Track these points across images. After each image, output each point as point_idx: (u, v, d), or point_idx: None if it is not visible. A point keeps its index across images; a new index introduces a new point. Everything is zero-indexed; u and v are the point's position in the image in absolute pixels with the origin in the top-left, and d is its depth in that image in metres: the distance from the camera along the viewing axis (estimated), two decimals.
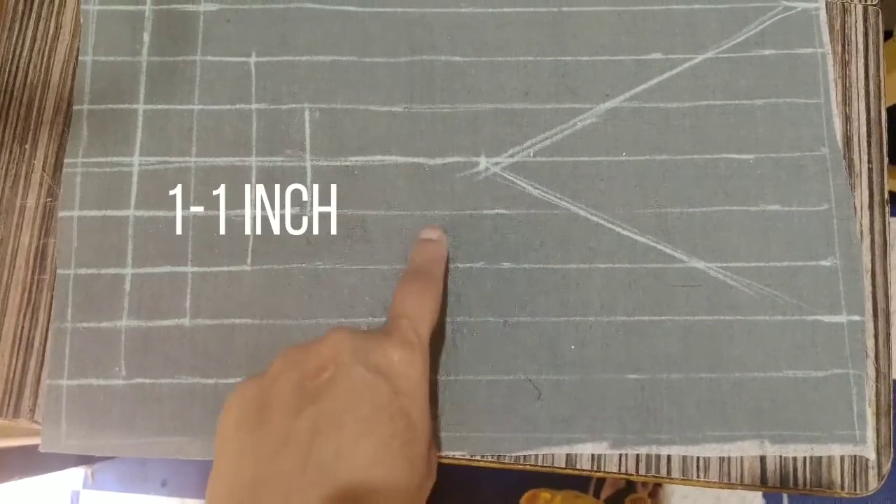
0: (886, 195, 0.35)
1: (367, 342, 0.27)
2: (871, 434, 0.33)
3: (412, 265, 0.32)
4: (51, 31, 0.37)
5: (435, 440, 0.33)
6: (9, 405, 0.34)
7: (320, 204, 0.35)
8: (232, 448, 0.26)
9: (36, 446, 0.33)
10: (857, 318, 0.34)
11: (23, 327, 0.34)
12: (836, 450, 0.33)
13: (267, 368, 0.28)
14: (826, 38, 0.37)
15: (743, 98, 0.36)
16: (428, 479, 0.28)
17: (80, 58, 0.37)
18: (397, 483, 0.25)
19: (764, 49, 0.37)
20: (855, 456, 0.33)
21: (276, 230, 0.35)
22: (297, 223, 0.35)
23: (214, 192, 0.35)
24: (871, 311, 0.34)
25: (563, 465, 0.33)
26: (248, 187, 0.35)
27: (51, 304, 0.34)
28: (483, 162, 0.36)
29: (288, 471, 0.24)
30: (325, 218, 0.35)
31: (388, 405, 0.26)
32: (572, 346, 0.34)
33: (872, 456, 0.33)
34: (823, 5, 0.38)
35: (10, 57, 0.37)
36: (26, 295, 0.35)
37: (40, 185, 0.36)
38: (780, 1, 0.38)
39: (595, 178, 0.36)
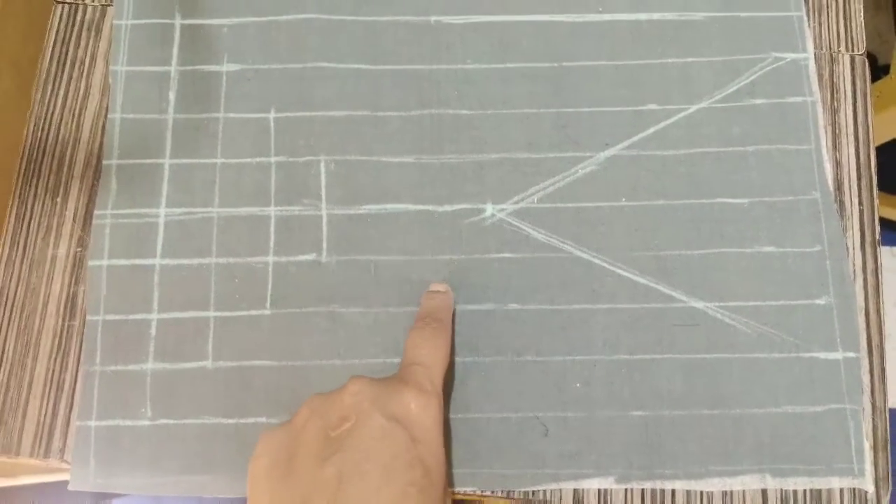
0: (878, 236, 0.37)
1: (386, 391, 0.29)
2: (868, 467, 0.34)
3: (422, 313, 0.34)
4: (81, 91, 0.40)
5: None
6: (40, 445, 0.35)
7: (335, 251, 0.37)
8: (264, 494, 0.28)
9: (48, 485, 0.35)
10: (852, 354, 0.35)
11: (54, 371, 0.36)
12: (836, 483, 0.34)
13: (292, 415, 0.30)
14: (815, 86, 0.39)
15: (736, 145, 0.38)
16: None
17: (109, 115, 0.39)
18: None
19: (755, 98, 0.39)
20: (854, 489, 0.34)
21: (294, 276, 0.37)
22: (313, 269, 0.37)
23: (235, 241, 0.37)
24: (865, 348, 0.35)
25: (571, 503, 0.34)
26: (267, 236, 0.37)
27: (80, 349, 0.36)
28: (489, 208, 0.38)
29: None
30: (340, 264, 0.37)
31: (405, 453, 0.27)
32: (578, 384, 0.35)
33: (871, 489, 0.34)
34: (812, 56, 0.40)
35: (44, 115, 0.39)
36: (57, 340, 0.36)
37: (71, 235, 0.38)
38: (770, 53, 0.40)
39: (596, 222, 0.38)
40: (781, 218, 0.37)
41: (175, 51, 0.40)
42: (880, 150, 0.83)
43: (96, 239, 0.37)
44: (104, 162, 0.38)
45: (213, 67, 0.40)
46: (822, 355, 0.36)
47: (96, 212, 0.38)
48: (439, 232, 0.37)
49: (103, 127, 0.39)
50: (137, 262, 0.37)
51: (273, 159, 0.38)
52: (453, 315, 0.36)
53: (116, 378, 0.36)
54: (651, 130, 0.39)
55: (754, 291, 0.36)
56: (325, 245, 0.37)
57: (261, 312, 0.36)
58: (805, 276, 0.37)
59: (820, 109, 0.39)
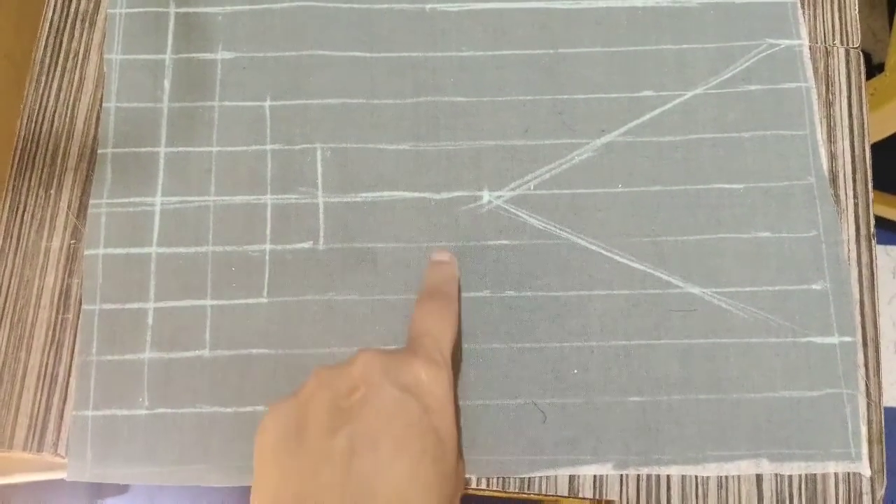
0: (872, 229, 0.37)
1: (396, 362, 0.29)
2: (865, 450, 0.34)
3: (427, 286, 0.34)
4: (75, 83, 0.40)
5: None
6: (33, 439, 0.35)
7: (332, 238, 0.37)
8: (272, 467, 0.27)
9: (41, 483, 0.35)
10: (848, 339, 0.36)
11: (47, 364, 0.36)
12: (832, 467, 0.34)
13: (297, 390, 0.29)
14: (810, 72, 0.39)
15: (731, 131, 0.38)
16: (458, 490, 0.29)
17: (104, 104, 0.39)
18: (430, 497, 0.26)
19: (750, 84, 0.39)
20: (850, 483, 0.34)
21: (291, 264, 0.37)
22: (310, 257, 0.37)
23: (232, 229, 0.37)
24: (860, 341, 0.36)
25: (567, 493, 0.34)
26: (263, 224, 0.37)
27: (74, 341, 0.36)
28: (486, 195, 0.38)
29: (329, 486, 0.26)
30: (336, 251, 0.37)
31: (418, 423, 0.27)
32: (575, 371, 0.35)
33: (868, 472, 0.34)
34: (806, 41, 0.40)
35: (37, 107, 0.39)
36: (51, 333, 0.36)
37: (65, 227, 0.37)
38: (764, 39, 0.40)
39: (593, 209, 0.38)
40: (777, 203, 0.37)
41: (170, 39, 0.40)
42: (875, 147, 0.84)
43: (92, 228, 0.37)
44: (99, 151, 0.38)
45: (207, 55, 0.40)
46: (819, 340, 0.36)
47: (91, 201, 0.38)
48: (436, 219, 0.37)
49: (97, 119, 0.39)
50: (133, 251, 0.37)
51: (269, 147, 0.38)
52: (458, 286, 0.35)
53: (113, 367, 0.35)
54: (647, 117, 0.39)
55: (751, 276, 0.36)
56: (321, 233, 0.37)
57: (258, 301, 0.36)
58: (801, 261, 0.37)
59: (814, 95, 0.39)
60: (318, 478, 0.26)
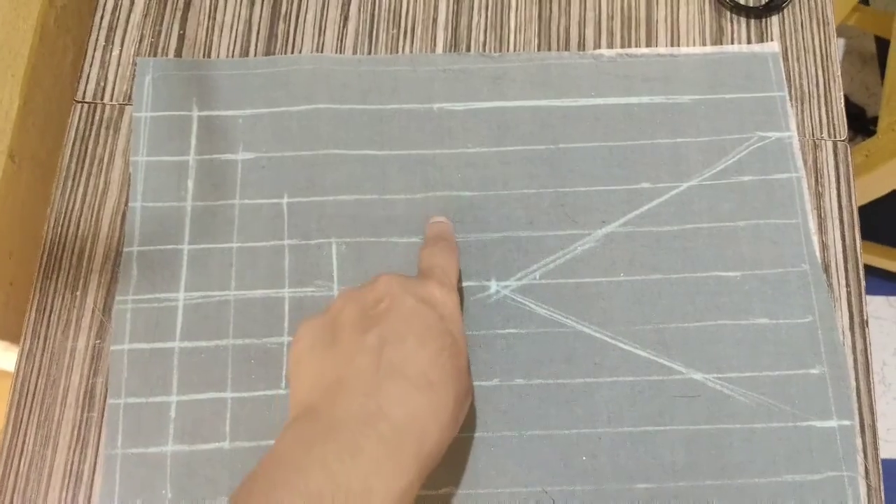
0: (866, 316, 0.38)
1: (412, 281, 0.33)
2: None
3: (430, 235, 0.38)
4: (101, 187, 0.42)
5: None
6: None
7: None
8: (310, 363, 0.31)
9: None
10: (847, 422, 0.37)
11: (73, 462, 0.37)
12: None
13: (326, 309, 0.33)
14: (800, 163, 0.41)
15: (726, 221, 0.40)
16: (469, 393, 0.32)
17: (130, 204, 0.41)
18: (448, 385, 0.30)
19: (743, 176, 0.41)
20: None
21: None
22: None
23: (251, 323, 0.39)
24: (858, 427, 0.37)
25: None
26: (281, 317, 0.39)
27: (98, 440, 0.37)
28: (494, 285, 0.40)
29: (364, 370, 0.29)
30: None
31: (436, 325, 0.31)
32: (584, 458, 0.37)
33: None
34: (796, 133, 0.42)
35: (64, 210, 0.41)
36: (76, 432, 0.37)
37: (90, 328, 0.39)
38: (755, 132, 0.42)
39: (596, 297, 0.39)
40: (773, 290, 0.39)
41: (193, 141, 0.42)
42: (871, 203, 0.86)
43: (118, 324, 0.39)
44: (125, 249, 0.40)
45: (229, 156, 0.42)
46: (819, 424, 0.37)
47: (118, 297, 0.39)
48: None
49: (122, 222, 0.41)
50: (157, 345, 0.39)
51: (286, 242, 0.40)
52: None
53: (137, 461, 0.37)
54: (645, 208, 0.41)
55: (750, 362, 0.38)
56: None
57: (276, 392, 0.38)
58: (798, 346, 0.38)
59: (805, 184, 0.41)
60: (353, 363, 0.30)
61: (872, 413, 0.37)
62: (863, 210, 0.41)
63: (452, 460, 0.37)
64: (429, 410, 0.29)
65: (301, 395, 0.31)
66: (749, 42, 0.44)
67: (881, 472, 0.35)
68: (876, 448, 0.36)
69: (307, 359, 0.31)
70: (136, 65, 0.44)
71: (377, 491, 0.26)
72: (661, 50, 0.44)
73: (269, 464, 0.28)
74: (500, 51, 0.45)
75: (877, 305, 1.19)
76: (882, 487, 0.36)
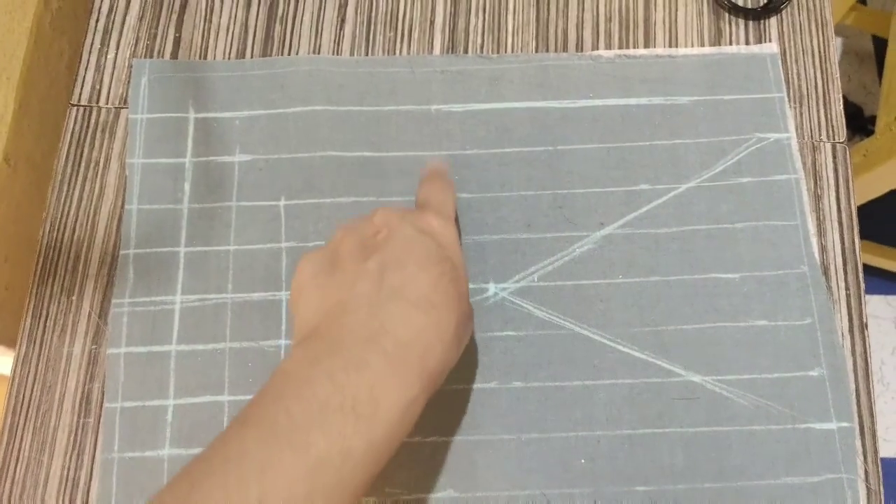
0: (865, 319, 0.38)
1: (410, 213, 0.34)
2: None
3: (428, 173, 0.38)
4: (96, 192, 0.41)
5: None
6: None
7: None
8: (312, 290, 0.31)
9: None
10: (846, 424, 0.37)
11: (69, 469, 0.37)
12: None
13: (326, 243, 0.33)
14: (798, 164, 0.41)
15: (725, 222, 0.40)
16: (470, 318, 0.33)
17: (126, 207, 0.41)
18: (450, 306, 0.30)
19: (741, 177, 0.41)
20: None
21: None
22: None
23: (248, 326, 0.39)
24: (857, 430, 0.37)
25: None
26: (279, 320, 0.39)
27: (95, 446, 0.37)
28: (492, 288, 0.39)
29: (366, 293, 0.30)
30: None
31: (435, 252, 0.31)
32: (582, 461, 0.36)
33: None
34: (794, 134, 0.42)
35: (59, 216, 0.41)
36: (72, 437, 0.37)
37: (86, 333, 0.39)
38: (753, 133, 0.42)
39: (595, 299, 0.39)
40: (772, 292, 0.39)
41: (189, 143, 0.42)
42: (870, 202, 0.85)
43: (114, 327, 0.39)
44: (121, 252, 0.40)
45: (225, 158, 0.42)
46: (818, 426, 0.37)
47: (114, 300, 0.39)
48: None
49: (118, 226, 0.41)
50: (154, 349, 0.38)
51: (284, 245, 0.40)
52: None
53: (134, 465, 0.36)
54: (643, 209, 0.41)
55: (749, 364, 0.38)
56: None
57: None
58: (797, 348, 0.38)
59: (804, 186, 0.41)
60: (355, 288, 0.30)
61: (872, 416, 0.36)
62: (860, 209, 0.41)
63: (451, 463, 0.36)
64: (431, 329, 0.29)
65: (304, 320, 0.31)
66: (748, 44, 0.44)
67: (881, 475, 0.35)
68: (876, 451, 0.36)
69: (309, 287, 0.32)
70: (131, 67, 0.44)
71: (383, 401, 0.27)
72: (660, 51, 0.44)
73: (277, 379, 0.28)
74: (498, 53, 0.44)
75: (875, 305, 1.19)
76: (882, 491, 0.35)
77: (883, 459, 0.36)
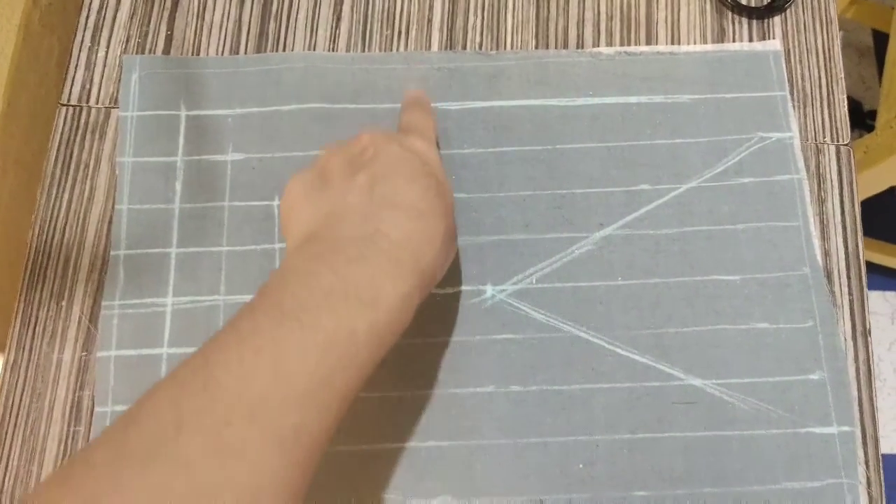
0: (868, 325, 0.38)
1: (395, 134, 0.35)
2: None
3: (408, 100, 0.39)
4: (86, 194, 0.41)
5: None
6: None
7: None
8: (304, 204, 0.32)
9: None
10: (847, 428, 0.36)
11: None
12: None
13: (312, 164, 0.34)
14: (801, 164, 0.41)
15: (726, 223, 0.40)
16: (455, 237, 0.34)
17: (116, 206, 0.40)
18: (438, 217, 0.32)
19: (743, 177, 0.40)
20: None
21: None
22: None
23: None
24: (860, 438, 0.36)
25: None
26: None
27: None
28: (489, 290, 0.39)
29: (358, 202, 0.31)
30: None
31: (421, 168, 0.33)
32: (581, 465, 0.36)
33: None
34: (797, 134, 0.41)
35: (48, 219, 0.40)
36: (62, 447, 0.36)
37: (76, 339, 0.38)
38: (755, 133, 0.41)
39: (594, 301, 0.39)
40: (773, 294, 0.38)
41: (181, 141, 0.41)
42: (871, 199, 0.85)
43: (104, 330, 0.38)
44: (112, 252, 0.39)
45: (218, 157, 0.41)
46: (818, 430, 0.36)
47: (104, 303, 0.38)
48: (441, 314, 0.38)
49: (108, 229, 0.40)
50: (145, 352, 0.38)
51: (277, 246, 0.39)
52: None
53: None
54: (643, 210, 0.40)
55: (750, 368, 0.37)
56: None
57: None
58: (798, 351, 0.37)
59: (806, 187, 0.40)
60: (346, 199, 0.31)
61: (874, 423, 0.36)
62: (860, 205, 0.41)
63: (448, 468, 0.36)
64: (422, 234, 0.31)
65: (298, 231, 0.32)
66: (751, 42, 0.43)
67: (883, 482, 0.35)
68: (878, 458, 0.35)
69: (300, 203, 0.32)
70: (122, 65, 0.43)
71: (382, 290, 0.28)
72: (661, 48, 0.43)
73: (280, 274, 0.29)
74: (497, 51, 0.44)
75: (873, 301, 1.19)
76: (883, 498, 0.35)
77: (882, 456, 0.36)
